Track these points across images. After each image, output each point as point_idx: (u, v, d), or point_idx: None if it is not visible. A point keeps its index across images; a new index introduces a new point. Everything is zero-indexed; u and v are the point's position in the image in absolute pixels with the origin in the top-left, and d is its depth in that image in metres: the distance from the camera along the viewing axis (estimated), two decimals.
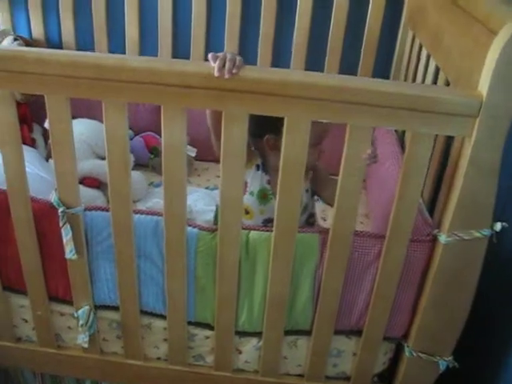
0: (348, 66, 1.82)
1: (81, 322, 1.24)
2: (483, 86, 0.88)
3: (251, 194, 1.25)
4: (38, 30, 1.97)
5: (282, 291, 1.11)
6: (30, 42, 1.92)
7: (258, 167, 1.25)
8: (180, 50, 1.94)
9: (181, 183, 1.02)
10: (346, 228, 1.02)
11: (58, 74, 0.92)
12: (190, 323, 1.24)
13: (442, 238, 1.01)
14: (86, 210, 1.13)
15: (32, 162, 1.49)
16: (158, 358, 1.33)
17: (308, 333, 1.20)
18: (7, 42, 1.84)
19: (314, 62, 1.86)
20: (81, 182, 1.61)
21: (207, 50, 1.91)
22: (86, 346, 1.28)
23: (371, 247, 1.07)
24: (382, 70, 1.86)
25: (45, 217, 1.14)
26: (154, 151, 1.95)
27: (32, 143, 1.79)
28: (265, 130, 1.16)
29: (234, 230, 1.06)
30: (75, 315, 1.25)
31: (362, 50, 1.82)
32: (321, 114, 0.90)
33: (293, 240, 1.05)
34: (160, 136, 1.00)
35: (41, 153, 1.78)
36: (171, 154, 0.99)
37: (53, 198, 1.10)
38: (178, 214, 1.06)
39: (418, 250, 1.05)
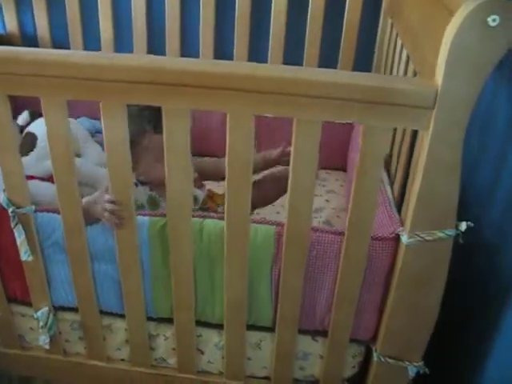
0: (328, 59, 1.77)
1: (40, 324, 1.22)
2: (439, 74, 0.82)
3: (141, 207, 1.24)
4: (12, 24, 1.94)
5: (238, 284, 1.07)
6: (2, 37, 1.89)
7: (136, 184, 1.25)
8: (156, 45, 1.90)
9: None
10: (302, 223, 0.98)
11: None
12: (152, 319, 1.21)
13: (404, 239, 0.96)
14: (36, 211, 1.10)
15: None
16: (122, 360, 1.30)
17: (271, 330, 1.15)
18: None
19: (292, 55, 1.81)
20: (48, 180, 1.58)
21: (183, 44, 1.87)
22: (47, 347, 1.26)
23: (330, 244, 1.02)
24: (364, 62, 1.80)
25: None
26: None
27: None
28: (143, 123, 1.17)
29: (183, 219, 1.02)
30: (35, 316, 1.22)
31: (342, 42, 1.76)
32: (264, 108, 0.86)
33: (246, 232, 1.00)
34: None
35: None
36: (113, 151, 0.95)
37: (1, 198, 1.06)
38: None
39: (380, 249, 1.00)
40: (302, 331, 1.14)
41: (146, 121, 1.18)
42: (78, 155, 1.74)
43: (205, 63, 0.86)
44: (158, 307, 1.17)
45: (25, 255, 1.11)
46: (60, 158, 0.98)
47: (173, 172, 0.96)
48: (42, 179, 1.60)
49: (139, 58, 0.87)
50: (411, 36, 1.22)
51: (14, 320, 1.28)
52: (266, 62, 1.82)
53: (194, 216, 1.06)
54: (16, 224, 1.08)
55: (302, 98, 0.83)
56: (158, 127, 0.99)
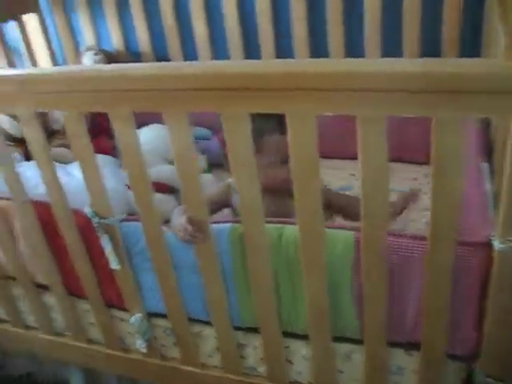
0: (429, 46, 1.63)
1: (135, 329, 1.26)
2: None
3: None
4: (118, 42, 2.05)
5: (318, 292, 1.00)
6: (111, 55, 2.00)
7: None
8: (250, 46, 1.89)
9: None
10: (377, 229, 0.89)
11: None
12: (240, 329, 1.19)
13: (496, 244, 0.84)
14: (122, 221, 1.14)
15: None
16: (215, 367, 1.30)
17: (361, 342, 1.08)
18: (87, 58, 1.94)
19: (391, 42, 1.69)
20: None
21: (277, 44, 1.84)
22: (144, 351, 1.30)
23: (412, 250, 0.92)
24: (471, 46, 1.63)
25: (88, 228, 1.16)
26: None
27: (113, 151, 1.85)
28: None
29: (256, 226, 0.98)
30: (130, 322, 1.27)
31: (444, 25, 1.61)
32: (326, 107, 0.79)
33: (321, 237, 0.94)
34: None
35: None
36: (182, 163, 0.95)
37: (87, 209, 1.11)
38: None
39: (470, 255, 0.88)
40: (393, 343, 1.05)
41: (265, 124, 1.11)
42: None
43: (259, 64, 0.82)
44: (244, 316, 1.15)
45: (113, 264, 1.16)
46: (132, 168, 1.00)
47: (241, 180, 0.93)
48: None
49: (198, 65, 0.85)
50: None
51: (114, 324, 1.34)
52: (363, 56, 1.73)
53: (272, 222, 1.03)
54: (102, 234, 1.12)
55: (362, 93, 0.76)
56: (277, 130, 1.01)
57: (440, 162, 0.79)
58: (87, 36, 2.07)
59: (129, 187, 1.41)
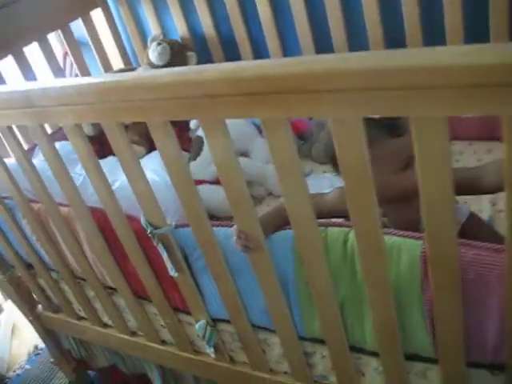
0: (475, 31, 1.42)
1: (201, 335, 1.22)
2: None
3: None
4: (183, 29, 2.00)
5: (383, 307, 0.89)
6: (176, 44, 1.95)
7: None
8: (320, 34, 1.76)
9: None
10: (445, 241, 0.76)
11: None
12: (305, 339, 1.11)
13: None
14: (177, 227, 1.09)
15: (159, 170, 1.51)
16: (285, 373, 1.24)
17: (436, 362, 0.96)
18: (151, 49, 1.90)
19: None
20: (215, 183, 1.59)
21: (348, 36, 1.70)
22: (212, 355, 1.27)
23: (491, 264, 0.79)
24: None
25: (145, 235, 1.12)
26: (303, 137, 1.82)
27: (188, 144, 1.81)
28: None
29: (308, 231, 0.88)
30: (196, 328, 1.23)
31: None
32: (374, 109, 0.67)
33: (379, 244, 0.82)
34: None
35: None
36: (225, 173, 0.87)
37: (141, 219, 1.08)
38: None
39: None
40: (474, 364, 0.93)
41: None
42: (245, 154, 1.72)
43: (287, 63, 0.70)
44: (308, 329, 1.07)
45: (171, 271, 1.12)
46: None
47: (287, 188, 0.84)
48: (212, 183, 1.62)
49: (216, 68, 0.75)
50: None
51: (182, 327, 1.32)
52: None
53: (341, 225, 0.94)
54: (157, 243, 1.09)
55: (415, 91, 0.63)
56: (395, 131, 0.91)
57: None
58: (153, 26, 2.04)
59: None
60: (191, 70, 0.79)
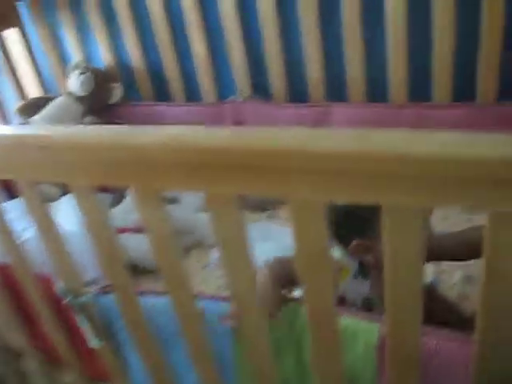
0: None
1: None
2: None
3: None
4: (108, 58, 1.86)
5: None
6: (101, 73, 1.81)
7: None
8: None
9: None
10: (408, 331, 0.70)
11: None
12: None
13: None
14: (100, 293, 0.96)
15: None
16: None
17: None
18: (73, 78, 1.75)
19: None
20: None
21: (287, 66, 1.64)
22: None
23: (457, 354, 0.73)
24: None
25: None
26: None
27: None
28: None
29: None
30: None
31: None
32: (339, 193, 0.59)
33: (332, 326, 0.74)
34: None
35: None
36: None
37: (58, 286, 0.94)
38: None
39: None
40: None
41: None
42: (174, 200, 1.60)
43: (246, 135, 0.61)
44: None
45: (92, 342, 0.98)
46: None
47: (231, 266, 0.74)
48: (135, 231, 1.49)
49: (156, 132, 0.65)
50: None
51: None
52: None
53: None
54: (77, 312, 0.95)
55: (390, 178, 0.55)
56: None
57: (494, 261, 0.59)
58: (75, 52, 1.88)
59: None
60: (127, 132, 0.68)
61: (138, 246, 1.38)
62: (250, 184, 0.62)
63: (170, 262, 0.77)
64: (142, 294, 0.92)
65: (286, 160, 0.57)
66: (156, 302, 0.92)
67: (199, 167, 0.62)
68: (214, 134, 0.62)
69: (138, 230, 1.47)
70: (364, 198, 0.58)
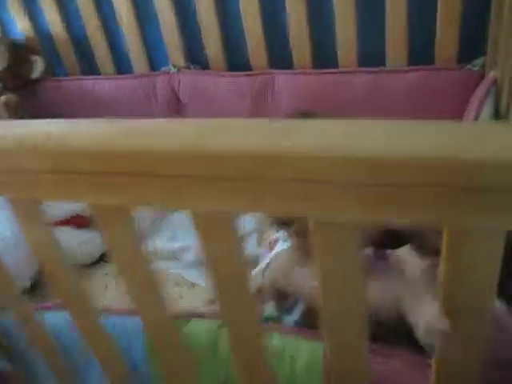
0: None
1: None
2: None
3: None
4: (25, 28, 1.65)
5: None
6: (17, 45, 1.61)
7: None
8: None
9: None
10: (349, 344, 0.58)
11: None
12: None
13: None
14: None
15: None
16: None
17: None
18: None
19: None
20: (67, 223, 1.31)
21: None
22: None
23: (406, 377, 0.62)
24: None
25: None
26: None
27: None
28: None
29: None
30: None
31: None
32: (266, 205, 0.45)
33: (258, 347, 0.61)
34: None
35: None
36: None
37: None
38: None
39: None
40: None
41: None
42: None
43: (132, 134, 0.46)
44: None
45: None
46: None
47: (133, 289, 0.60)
48: (62, 223, 1.34)
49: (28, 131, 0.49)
50: None
51: None
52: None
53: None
54: None
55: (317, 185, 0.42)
56: None
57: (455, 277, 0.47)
58: None
59: None
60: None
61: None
62: (138, 195, 0.48)
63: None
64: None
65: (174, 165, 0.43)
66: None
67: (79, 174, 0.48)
68: (87, 131, 0.47)
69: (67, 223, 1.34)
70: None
